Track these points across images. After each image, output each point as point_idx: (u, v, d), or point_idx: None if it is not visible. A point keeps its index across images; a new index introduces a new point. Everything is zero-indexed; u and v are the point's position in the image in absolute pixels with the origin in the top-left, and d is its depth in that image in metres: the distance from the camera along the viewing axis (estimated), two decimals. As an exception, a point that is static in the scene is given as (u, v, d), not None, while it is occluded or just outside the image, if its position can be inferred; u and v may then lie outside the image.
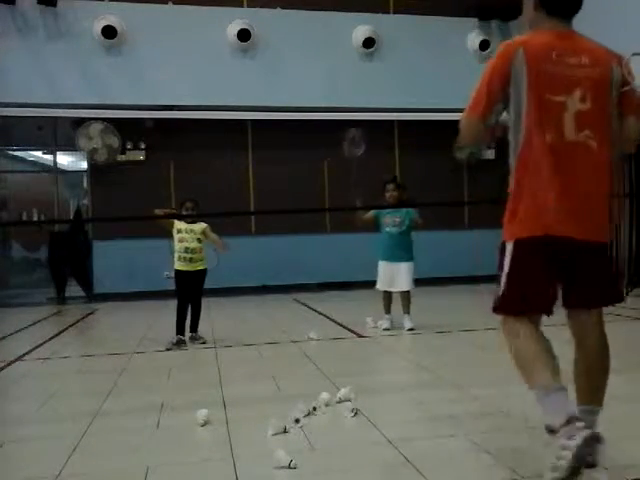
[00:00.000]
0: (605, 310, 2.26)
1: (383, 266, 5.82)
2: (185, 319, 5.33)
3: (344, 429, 2.92)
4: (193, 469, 2.44)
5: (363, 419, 2.99)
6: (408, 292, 5.76)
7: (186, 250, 5.26)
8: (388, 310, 5.87)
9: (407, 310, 5.78)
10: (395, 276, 5.75)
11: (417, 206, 5.86)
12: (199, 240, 5.30)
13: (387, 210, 5.77)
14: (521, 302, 2.15)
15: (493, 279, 2.27)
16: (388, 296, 5.87)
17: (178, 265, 5.32)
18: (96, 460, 2.57)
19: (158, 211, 5.41)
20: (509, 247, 2.18)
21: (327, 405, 3.19)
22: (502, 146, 2.16)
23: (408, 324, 5.69)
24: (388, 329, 5.75)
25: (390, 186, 5.76)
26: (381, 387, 3.77)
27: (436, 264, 10.29)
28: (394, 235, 5.75)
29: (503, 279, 2.19)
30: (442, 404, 3.21)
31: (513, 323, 2.17)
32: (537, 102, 2.11)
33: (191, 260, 5.28)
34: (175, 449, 2.67)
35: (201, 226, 5.33)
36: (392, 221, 5.74)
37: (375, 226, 5.91)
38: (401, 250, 5.75)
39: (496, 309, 2.22)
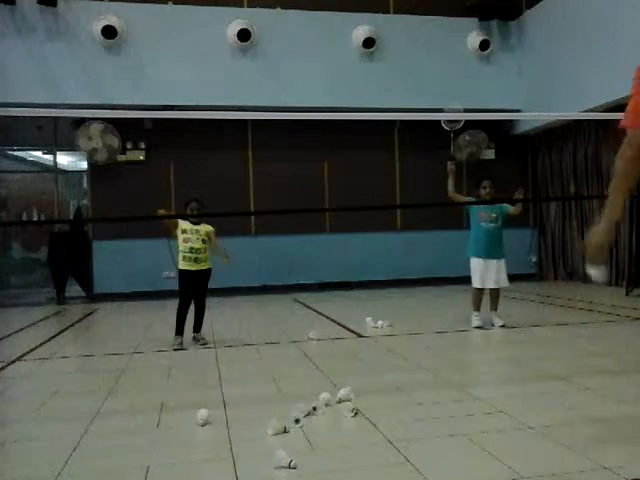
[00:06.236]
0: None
1: (480, 263, 5.81)
2: (185, 320, 5.30)
3: (344, 429, 2.92)
4: (193, 469, 2.44)
5: (363, 419, 2.99)
6: (498, 289, 5.83)
7: (191, 250, 5.21)
8: (478, 307, 5.88)
9: (496, 307, 5.86)
10: (494, 272, 5.76)
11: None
12: (204, 241, 5.28)
13: (482, 206, 5.84)
14: None
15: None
16: (480, 293, 5.88)
17: (183, 265, 5.26)
18: (96, 460, 2.57)
19: (162, 211, 5.42)
20: None
21: (327, 405, 3.19)
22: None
23: (499, 322, 5.76)
24: (480, 327, 5.75)
25: (488, 182, 5.82)
26: (381, 387, 3.76)
27: (436, 264, 10.30)
28: (491, 230, 5.80)
29: None
30: (442, 404, 3.21)
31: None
32: None
33: (196, 260, 5.24)
34: (175, 449, 2.67)
35: (206, 228, 5.30)
36: (489, 217, 5.80)
37: (466, 219, 6.00)
38: (498, 246, 5.82)
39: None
